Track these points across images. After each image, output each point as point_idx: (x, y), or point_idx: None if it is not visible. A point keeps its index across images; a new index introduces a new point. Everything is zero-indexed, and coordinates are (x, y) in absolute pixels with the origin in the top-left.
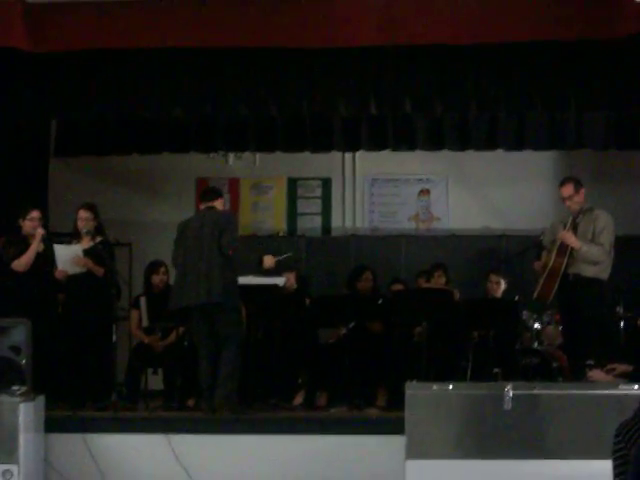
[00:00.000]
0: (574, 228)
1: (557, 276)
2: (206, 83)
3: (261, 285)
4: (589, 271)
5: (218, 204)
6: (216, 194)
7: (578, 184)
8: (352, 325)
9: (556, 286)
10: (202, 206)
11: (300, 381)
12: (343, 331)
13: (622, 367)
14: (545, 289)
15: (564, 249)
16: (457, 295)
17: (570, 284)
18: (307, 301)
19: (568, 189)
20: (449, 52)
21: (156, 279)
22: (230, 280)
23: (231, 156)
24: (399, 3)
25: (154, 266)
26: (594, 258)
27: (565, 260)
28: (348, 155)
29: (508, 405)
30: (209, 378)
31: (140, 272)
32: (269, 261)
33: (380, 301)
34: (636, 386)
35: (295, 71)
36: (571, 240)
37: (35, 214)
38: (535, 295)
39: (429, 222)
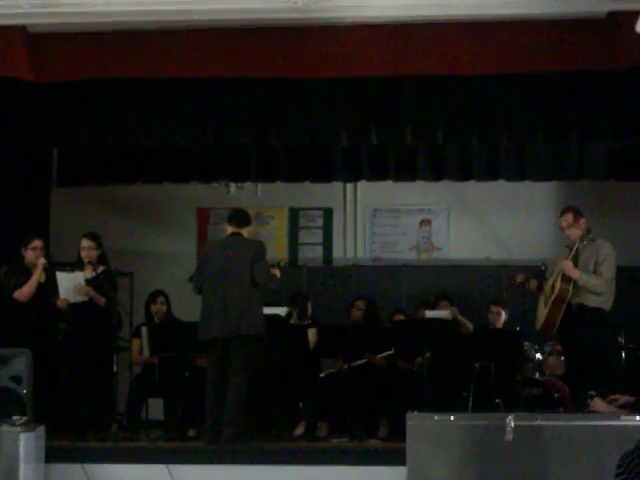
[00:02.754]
0: (575, 257)
1: (563, 304)
2: (207, 113)
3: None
4: (592, 301)
5: (245, 232)
6: (246, 221)
7: (578, 213)
8: (361, 362)
9: (561, 314)
10: (229, 229)
11: (301, 405)
12: (345, 366)
13: (624, 398)
14: (551, 317)
15: (569, 276)
16: (470, 328)
17: (573, 314)
18: (313, 332)
19: (567, 218)
20: (450, 83)
21: (154, 309)
22: (260, 312)
23: (232, 186)
24: (402, 36)
25: (152, 296)
26: (593, 288)
27: (570, 287)
28: (349, 185)
29: (509, 436)
30: (215, 410)
31: (141, 302)
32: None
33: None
34: (638, 417)
35: (296, 101)
36: (571, 270)
37: (37, 243)
38: (539, 326)
39: (430, 252)
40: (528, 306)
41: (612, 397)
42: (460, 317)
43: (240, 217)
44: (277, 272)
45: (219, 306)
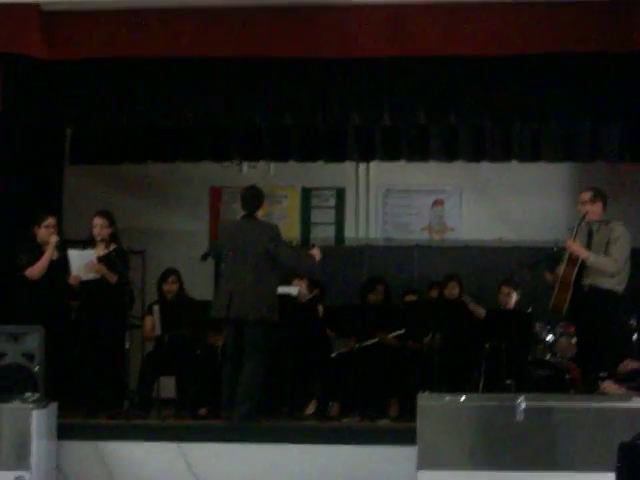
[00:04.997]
0: (589, 239)
1: (568, 286)
2: (221, 92)
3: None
4: (604, 283)
5: (259, 213)
6: (258, 204)
7: (598, 196)
8: (372, 342)
9: (569, 296)
10: (245, 209)
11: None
12: (357, 346)
13: (634, 364)
14: (558, 300)
15: (574, 259)
16: (483, 314)
17: (585, 295)
18: (321, 309)
19: (585, 195)
20: (464, 63)
21: (165, 288)
22: (272, 296)
23: (245, 165)
24: (412, 14)
25: (164, 275)
26: (603, 269)
27: (575, 270)
28: (362, 165)
29: (520, 417)
30: (231, 387)
31: (153, 280)
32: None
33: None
34: None
35: (310, 81)
36: (578, 250)
37: (50, 221)
38: (550, 306)
39: (442, 233)
40: (539, 287)
41: (623, 364)
42: (472, 305)
43: (251, 201)
44: (317, 252)
45: (232, 289)
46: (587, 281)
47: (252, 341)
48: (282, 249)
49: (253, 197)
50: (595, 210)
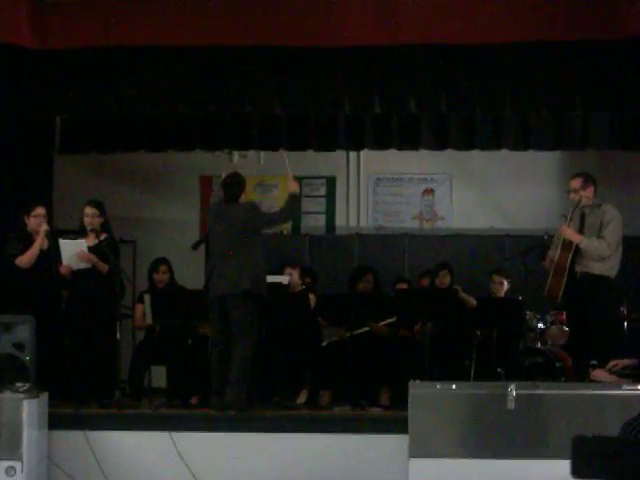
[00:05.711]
0: (582, 223)
1: (564, 271)
2: (211, 81)
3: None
4: (596, 269)
5: (243, 198)
6: (238, 192)
7: (588, 180)
8: (362, 331)
9: (564, 282)
10: (227, 196)
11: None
12: (348, 334)
13: (624, 361)
14: (553, 285)
15: (569, 244)
16: (474, 304)
17: (577, 282)
18: (313, 298)
19: (576, 182)
20: (454, 52)
21: (156, 278)
22: (257, 271)
23: (236, 154)
24: (403, 2)
25: (155, 264)
26: (595, 252)
27: (570, 255)
28: (353, 154)
29: (511, 405)
30: (220, 374)
31: (144, 270)
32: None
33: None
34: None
35: (300, 70)
36: (570, 234)
37: (40, 211)
38: (545, 292)
39: (433, 221)
40: (530, 276)
41: (612, 363)
42: (463, 294)
43: (230, 192)
44: (293, 184)
45: (214, 265)
46: (579, 268)
47: (240, 321)
48: (266, 218)
49: (236, 184)
50: (587, 194)
